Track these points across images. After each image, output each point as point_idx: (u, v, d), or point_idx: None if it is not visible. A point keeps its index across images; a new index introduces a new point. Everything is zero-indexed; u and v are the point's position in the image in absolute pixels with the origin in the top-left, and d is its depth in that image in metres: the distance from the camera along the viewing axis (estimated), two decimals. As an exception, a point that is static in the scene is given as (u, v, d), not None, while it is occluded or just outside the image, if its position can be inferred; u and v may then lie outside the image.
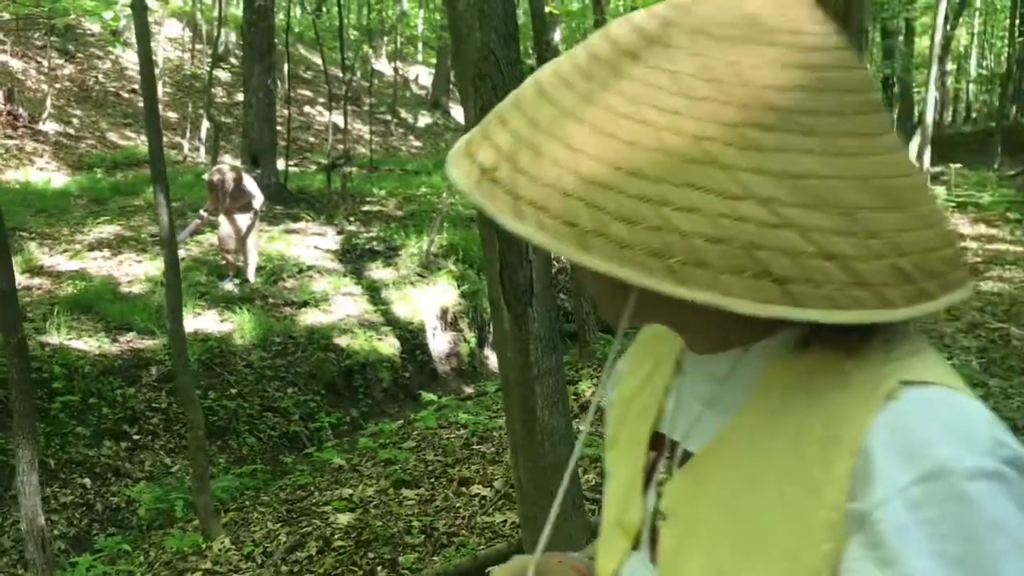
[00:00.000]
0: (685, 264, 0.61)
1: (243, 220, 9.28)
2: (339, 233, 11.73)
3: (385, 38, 30.52)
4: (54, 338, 7.43)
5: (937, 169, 16.65)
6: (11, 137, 15.88)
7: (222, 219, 9.29)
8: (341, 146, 14.40)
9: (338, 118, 17.87)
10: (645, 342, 0.96)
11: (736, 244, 0.61)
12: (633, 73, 0.67)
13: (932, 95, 15.29)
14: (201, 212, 9.72)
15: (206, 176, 10.04)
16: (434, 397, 7.79)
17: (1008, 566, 0.60)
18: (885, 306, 0.62)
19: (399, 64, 28.82)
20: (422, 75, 31.29)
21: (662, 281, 0.61)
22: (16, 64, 18.72)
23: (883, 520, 0.61)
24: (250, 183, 9.37)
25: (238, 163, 12.67)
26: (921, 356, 0.69)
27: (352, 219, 12.38)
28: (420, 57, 33.10)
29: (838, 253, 0.62)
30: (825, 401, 0.69)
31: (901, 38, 23.45)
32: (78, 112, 18.61)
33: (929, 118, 15.29)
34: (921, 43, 24.56)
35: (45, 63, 18.86)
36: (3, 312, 2.93)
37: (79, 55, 20.72)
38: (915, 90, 25.04)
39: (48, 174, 15.04)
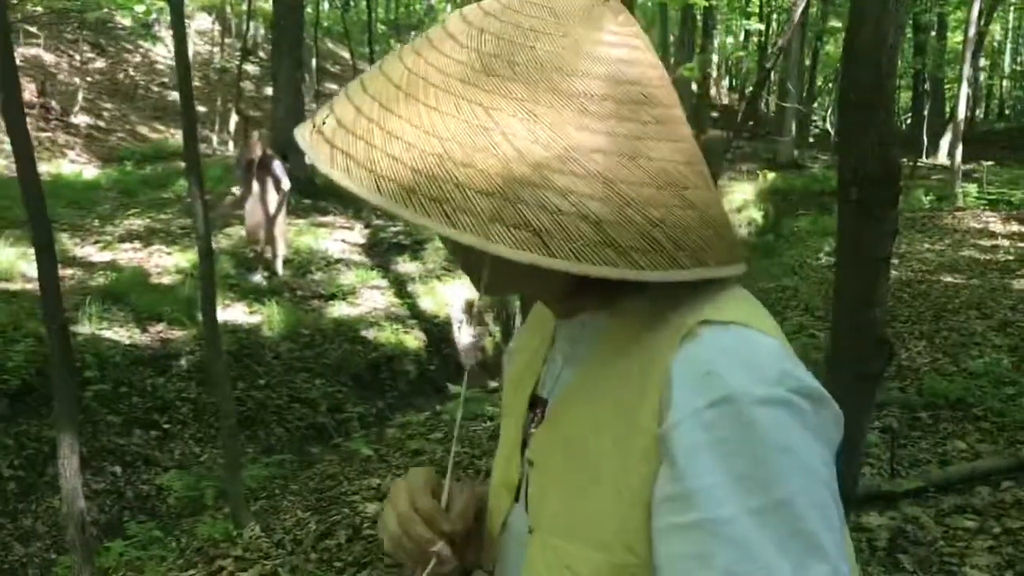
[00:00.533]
0: (457, 211, 0.70)
1: (271, 203, 9.33)
2: (366, 227, 11.79)
3: (412, 32, 30.59)
4: (86, 328, 7.52)
5: (969, 166, 16.46)
6: (43, 130, 16.07)
7: (250, 206, 9.36)
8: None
9: (365, 112, 17.91)
10: (533, 322, 1.04)
11: (502, 198, 0.70)
12: (448, 51, 0.77)
13: (964, 91, 15.11)
14: (233, 189, 9.86)
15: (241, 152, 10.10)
16: (461, 389, 7.83)
17: (791, 484, 0.67)
18: (632, 267, 0.71)
19: (426, 59, 28.86)
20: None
21: (439, 225, 0.70)
22: (48, 58, 18.93)
23: (677, 439, 0.70)
24: (279, 167, 9.44)
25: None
26: (729, 302, 0.79)
27: (379, 213, 12.43)
28: (447, 52, 33.09)
29: (592, 215, 0.70)
30: (641, 347, 0.79)
31: (933, 33, 23.19)
32: (108, 105, 18.81)
33: (961, 115, 15.11)
34: (954, 38, 24.29)
35: (77, 57, 19.06)
36: (46, 299, 2.97)
37: (110, 49, 20.93)
38: (947, 86, 24.77)
39: (79, 166, 15.22)
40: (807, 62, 22.69)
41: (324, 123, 0.78)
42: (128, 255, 9.92)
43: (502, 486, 0.95)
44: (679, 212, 0.74)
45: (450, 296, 9.99)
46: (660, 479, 0.72)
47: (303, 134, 0.79)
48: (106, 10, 18.07)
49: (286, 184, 9.45)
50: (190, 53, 19.05)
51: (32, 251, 3.41)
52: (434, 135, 0.72)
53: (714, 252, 0.76)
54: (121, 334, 7.69)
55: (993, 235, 11.77)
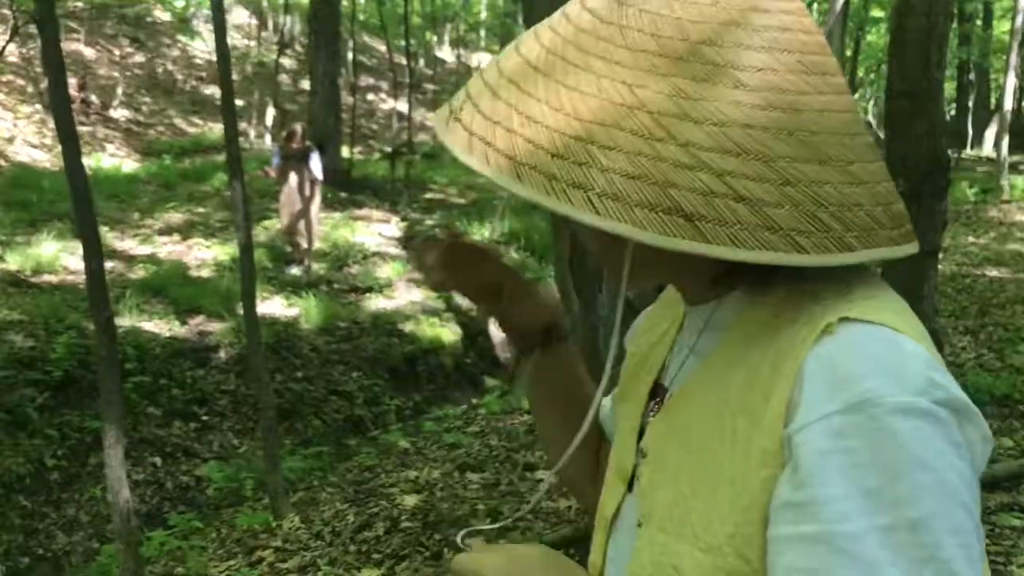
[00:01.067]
0: (602, 197, 0.66)
1: (306, 191, 9.48)
2: (402, 220, 11.82)
3: (448, 25, 30.61)
4: (126, 320, 7.61)
5: (1016, 158, 16.17)
6: (83, 124, 16.29)
7: (286, 198, 9.46)
8: (404, 134, 14.48)
9: (402, 105, 17.97)
10: (665, 302, 1.00)
11: (650, 181, 0.66)
12: (588, 27, 0.73)
13: (1011, 81, 14.83)
14: (266, 169, 10.12)
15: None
16: (497, 383, 7.82)
17: (928, 504, 0.60)
18: (795, 250, 0.66)
19: (462, 51, 28.88)
20: (484, 62, 31.30)
21: (582, 212, 0.66)
22: (88, 52, 19.18)
23: (803, 444, 0.64)
24: (316, 160, 9.57)
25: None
26: (874, 298, 0.72)
27: (415, 206, 12.46)
28: (483, 44, 33.11)
29: (750, 196, 0.66)
30: (775, 340, 0.73)
31: (979, 22, 22.78)
32: (147, 99, 19.02)
33: (1008, 105, 14.84)
34: (1000, 27, 23.83)
35: (116, 51, 19.29)
36: (92, 292, 3.00)
37: (149, 44, 21.16)
38: (992, 76, 24.34)
39: (118, 160, 15.41)
40: (848, 52, 22.38)
41: (462, 109, 0.75)
42: (167, 248, 10.03)
43: (616, 474, 0.92)
44: (846, 189, 0.69)
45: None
46: (781, 484, 0.66)
47: (441, 121, 0.77)
48: (145, 5, 18.27)
49: (319, 176, 9.56)
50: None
51: (74, 244, 3.43)
52: (575, 117, 0.68)
53: (885, 231, 0.71)
54: (161, 326, 7.78)
55: (1038, 227, 11.55)
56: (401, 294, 9.58)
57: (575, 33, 0.73)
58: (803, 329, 0.70)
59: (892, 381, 0.63)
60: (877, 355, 0.66)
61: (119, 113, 17.49)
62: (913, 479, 0.61)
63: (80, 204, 3.16)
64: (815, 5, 20.91)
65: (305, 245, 9.69)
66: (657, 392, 0.90)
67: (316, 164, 9.52)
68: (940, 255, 9.99)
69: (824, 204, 0.67)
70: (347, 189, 12.93)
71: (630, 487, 0.89)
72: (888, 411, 0.62)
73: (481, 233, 11.18)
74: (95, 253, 3.21)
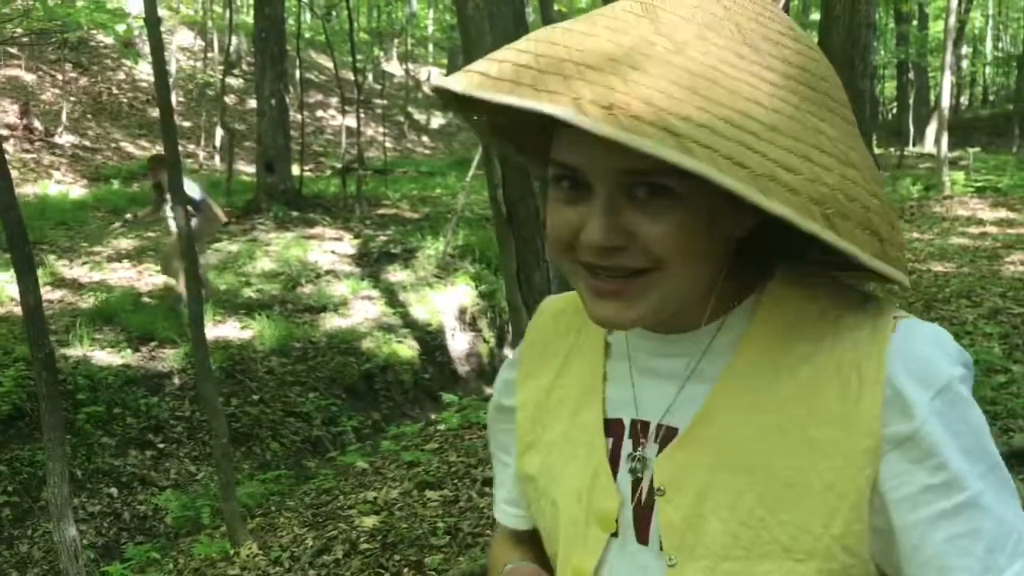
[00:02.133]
0: (835, 215, 0.71)
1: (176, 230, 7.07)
2: (355, 237, 11.78)
3: (395, 40, 30.59)
4: (77, 350, 7.50)
5: (955, 154, 16.51)
6: (28, 151, 16.03)
7: (170, 234, 8.28)
8: (354, 149, 14.44)
9: (351, 121, 17.93)
10: (535, 346, 1.04)
11: (859, 204, 0.73)
12: (743, 52, 0.74)
13: (948, 79, 15.16)
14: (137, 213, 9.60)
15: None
16: (455, 398, 7.82)
17: (992, 445, 0.78)
18: (900, 268, 0.78)
19: (410, 65, 28.87)
20: (434, 76, 31.35)
21: (821, 227, 0.70)
22: (30, 78, 18.88)
23: (928, 435, 0.75)
24: (192, 187, 7.87)
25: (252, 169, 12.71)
26: (876, 298, 0.84)
27: (368, 222, 12.43)
28: (431, 58, 33.13)
29: (887, 216, 0.77)
30: (829, 346, 0.81)
31: (915, 22, 23.28)
32: (93, 124, 18.77)
33: (945, 102, 15.15)
34: (935, 27, 24.37)
35: (59, 76, 19.02)
36: (31, 326, 2.96)
37: (93, 67, 20.89)
38: (931, 75, 24.86)
39: (65, 187, 15.18)
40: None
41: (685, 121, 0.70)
42: (118, 274, 9.90)
43: (585, 521, 0.92)
44: (877, 201, 0.76)
45: (442, 304, 9.98)
46: (905, 474, 0.76)
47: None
48: (87, 29, 18.02)
49: (200, 211, 8.26)
50: (173, 68, 19.02)
51: (16, 278, 3.38)
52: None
53: (901, 250, 0.80)
54: (113, 355, 7.67)
55: (981, 222, 11.80)
56: (356, 311, 9.53)
57: (738, 57, 0.74)
58: (862, 333, 0.80)
59: (950, 359, 0.78)
60: (933, 342, 0.79)
61: (64, 139, 17.24)
62: (983, 427, 0.78)
63: (14, 239, 3.11)
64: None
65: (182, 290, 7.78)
66: (615, 428, 0.91)
67: (195, 192, 8.07)
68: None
69: (871, 211, 0.75)
70: (298, 208, 12.86)
71: (615, 532, 0.90)
72: (958, 384, 0.77)
73: (436, 247, 11.17)
74: (32, 288, 3.16)
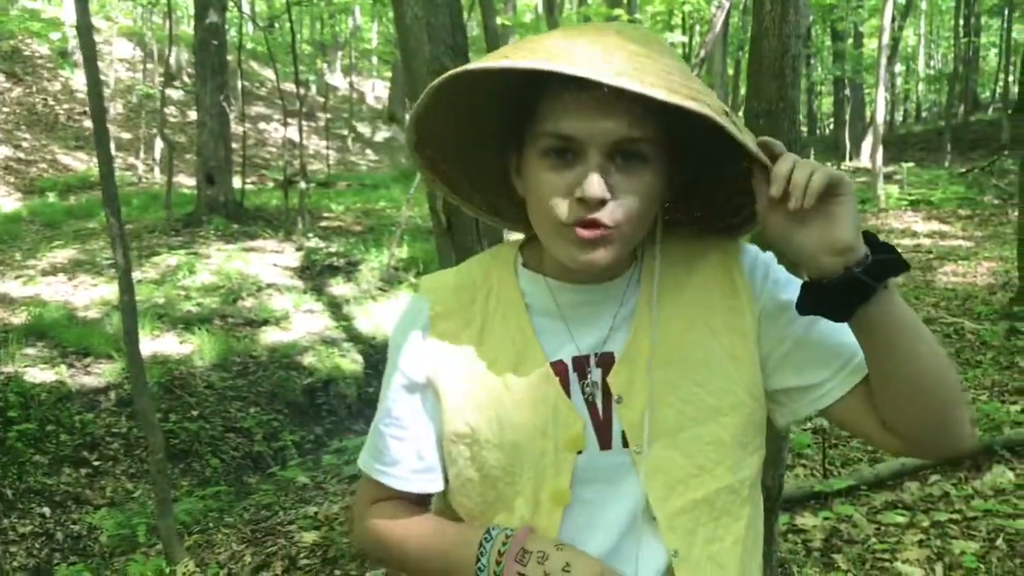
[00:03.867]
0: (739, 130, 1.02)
1: None
2: (298, 250, 11.65)
3: (339, 52, 30.43)
4: (8, 367, 7.30)
5: (890, 168, 16.90)
6: (-41, 163, 15.61)
7: None
8: (297, 162, 14.32)
9: (293, 134, 17.77)
10: (445, 319, 1.19)
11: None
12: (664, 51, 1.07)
13: (882, 96, 15.53)
14: None
15: None
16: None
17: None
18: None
19: (354, 78, 28.74)
20: (378, 88, 31.23)
21: (741, 136, 0.99)
22: (-38, 88, 18.40)
23: (765, 261, 1.20)
24: None
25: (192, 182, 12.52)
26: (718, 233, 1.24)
27: (311, 235, 12.31)
28: (375, 71, 33.01)
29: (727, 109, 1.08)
30: (703, 263, 1.17)
31: (851, 41, 23.81)
32: (28, 135, 18.34)
33: (880, 118, 15.53)
34: (869, 45, 24.96)
35: (-8, 87, 18.56)
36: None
37: (27, 77, 20.41)
38: (866, 91, 25.44)
39: (-1, 199, 14.79)
40: (731, 72, 23.10)
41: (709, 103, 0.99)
42: (53, 289, 9.66)
43: (555, 451, 1.10)
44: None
45: (386, 316, 9.91)
46: (775, 302, 1.15)
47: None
48: (20, 38, 17.64)
49: None
50: (111, 79, 18.69)
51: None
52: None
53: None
54: (46, 371, 7.47)
55: (915, 234, 12.10)
56: (298, 325, 9.43)
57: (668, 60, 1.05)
58: (719, 254, 1.18)
59: (768, 255, 1.22)
60: (758, 251, 1.21)
61: (-3, 150, 16.81)
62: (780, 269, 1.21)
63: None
64: (696, 27, 21.54)
65: None
66: (559, 368, 1.13)
67: None
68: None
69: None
70: (239, 220, 12.69)
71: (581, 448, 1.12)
72: (765, 256, 1.21)
73: (379, 259, 11.11)
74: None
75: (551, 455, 1.10)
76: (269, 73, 23.91)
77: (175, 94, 21.30)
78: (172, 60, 18.96)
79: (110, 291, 9.33)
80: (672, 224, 1.21)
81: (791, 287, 1.14)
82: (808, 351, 1.12)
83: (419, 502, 1.24)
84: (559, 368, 1.13)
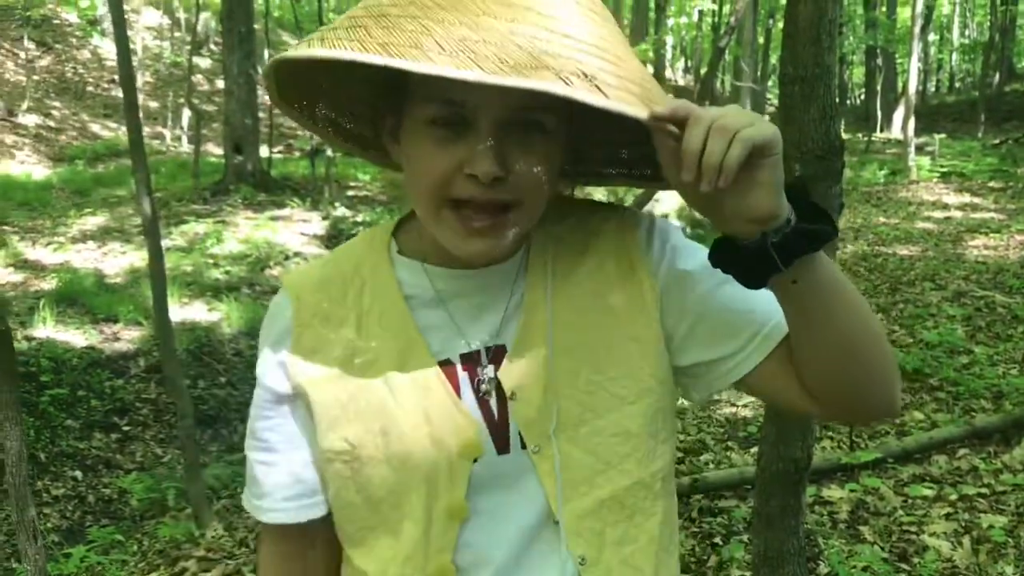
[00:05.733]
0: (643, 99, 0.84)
1: None
2: (324, 219, 11.69)
3: (366, 21, 30.28)
4: (40, 331, 7.40)
5: (921, 140, 16.66)
6: (-10, 131, 15.76)
7: None
8: (324, 131, 14.26)
9: (320, 103, 17.72)
10: (309, 324, 1.04)
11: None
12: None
13: (915, 66, 15.30)
14: None
15: None
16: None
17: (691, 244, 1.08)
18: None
19: (381, 47, 28.60)
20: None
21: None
22: (-7, 57, 18.53)
23: (676, 248, 1.05)
24: None
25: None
26: (605, 205, 1.11)
27: (337, 205, 12.34)
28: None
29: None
30: (596, 239, 1.05)
31: (884, 9, 23.42)
32: (57, 104, 18.47)
33: (912, 88, 15.31)
34: (903, 14, 24.53)
35: (22, 55, 18.69)
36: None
37: (57, 46, 20.53)
38: (899, 61, 25.04)
39: (29, 167, 14.93)
40: (760, 40, 22.81)
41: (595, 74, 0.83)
42: (83, 256, 9.77)
43: (448, 462, 0.97)
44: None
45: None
46: (672, 267, 1.03)
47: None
48: (51, 6, 17.71)
49: None
50: (139, 48, 18.76)
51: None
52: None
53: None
54: (77, 336, 7.57)
55: (946, 207, 11.94)
56: (325, 294, 9.47)
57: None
58: (615, 224, 1.06)
59: (662, 221, 1.10)
60: (651, 218, 1.09)
61: (28, 119, 16.94)
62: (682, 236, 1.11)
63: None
64: (728, -6, 21.26)
65: None
66: (448, 368, 1.00)
67: None
68: (851, 235, 10.24)
69: None
70: (266, 190, 12.73)
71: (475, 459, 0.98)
72: (665, 224, 1.09)
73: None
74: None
75: (444, 465, 0.97)
76: (295, 41, 23.84)
77: (203, 63, 21.34)
78: (200, 28, 18.98)
79: (139, 258, 9.42)
80: (571, 176, 1.10)
81: (692, 254, 1.04)
82: (716, 321, 1.01)
83: (306, 534, 1.09)
84: (447, 368, 1.00)
